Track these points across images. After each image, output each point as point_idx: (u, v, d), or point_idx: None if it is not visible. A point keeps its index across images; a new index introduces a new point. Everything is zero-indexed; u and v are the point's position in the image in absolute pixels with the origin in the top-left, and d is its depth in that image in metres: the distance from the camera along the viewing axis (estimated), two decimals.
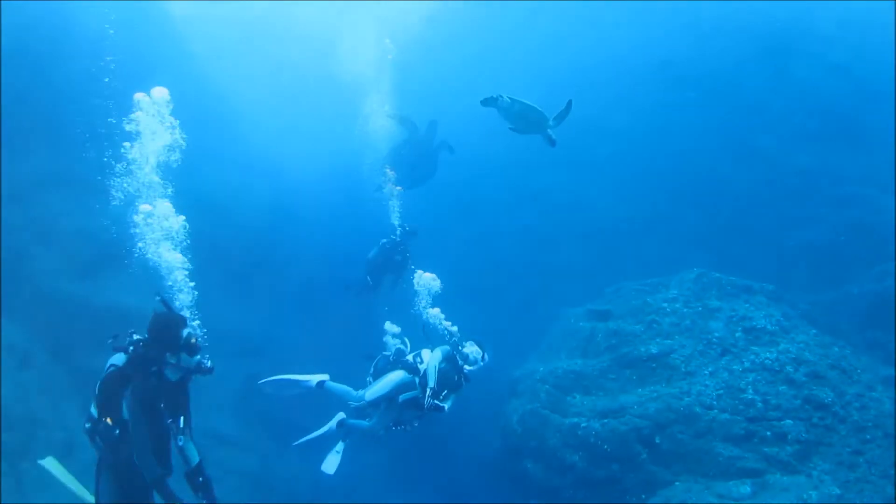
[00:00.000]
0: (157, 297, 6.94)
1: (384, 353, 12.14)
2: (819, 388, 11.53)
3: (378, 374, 11.43)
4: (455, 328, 11.70)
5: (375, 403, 10.95)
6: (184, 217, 11.04)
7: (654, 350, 13.06)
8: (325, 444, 11.70)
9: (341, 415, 11.49)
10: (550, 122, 9.93)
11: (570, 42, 23.98)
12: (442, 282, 16.30)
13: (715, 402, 11.59)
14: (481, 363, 10.93)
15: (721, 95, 21.19)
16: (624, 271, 17.12)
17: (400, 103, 23.06)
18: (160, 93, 10.80)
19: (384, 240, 16.51)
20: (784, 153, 20.15)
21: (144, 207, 10.49)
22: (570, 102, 9.76)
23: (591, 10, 24.05)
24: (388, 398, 10.88)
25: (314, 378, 11.37)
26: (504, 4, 25.73)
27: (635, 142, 21.38)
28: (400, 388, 10.87)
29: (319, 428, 11.63)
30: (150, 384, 6.21)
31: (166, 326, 6.40)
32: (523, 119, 9.96)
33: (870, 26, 22.58)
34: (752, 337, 12.87)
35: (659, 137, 21.17)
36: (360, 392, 11.10)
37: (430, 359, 10.55)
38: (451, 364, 10.69)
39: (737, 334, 12.95)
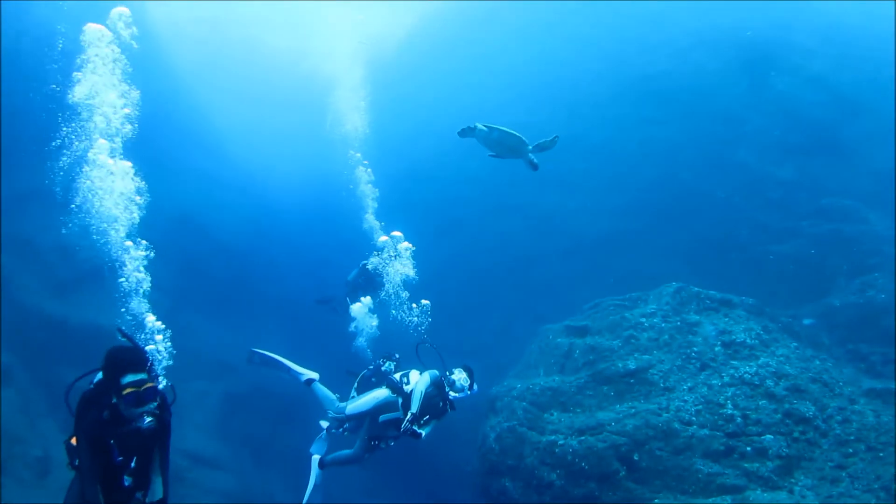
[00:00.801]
0: (118, 329, 6.55)
1: (369, 367, 12.04)
2: (800, 401, 11.25)
3: (362, 389, 11.32)
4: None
5: (355, 418, 10.65)
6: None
7: (631, 365, 12.73)
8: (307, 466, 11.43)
9: (317, 457, 11.09)
10: (531, 148, 9.80)
11: (549, 57, 23.76)
12: (424, 298, 16.17)
13: (694, 418, 11.29)
14: (468, 392, 10.64)
15: (700, 109, 20.90)
16: (605, 287, 16.77)
17: (378, 120, 22.95)
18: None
19: (365, 260, 16.31)
20: (764, 166, 19.88)
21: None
22: (556, 138, 10.00)
23: (570, 25, 23.99)
24: (369, 415, 10.58)
25: (305, 373, 11.06)
26: (484, 21, 25.60)
27: (614, 156, 21.11)
28: (382, 407, 10.60)
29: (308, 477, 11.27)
30: (92, 418, 5.72)
31: (109, 367, 5.79)
32: (502, 145, 10.01)
33: (850, 38, 22.60)
34: (731, 351, 12.59)
35: (638, 152, 20.88)
36: (343, 404, 10.81)
37: (418, 382, 10.28)
38: (437, 389, 10.42)
39: (716, 349, 12.66)
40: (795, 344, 13.22)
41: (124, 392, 5.66)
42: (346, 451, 11.02)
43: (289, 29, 25.47)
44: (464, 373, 10.76)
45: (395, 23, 27.86)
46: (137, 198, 11.10)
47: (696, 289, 14.56)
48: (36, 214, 15.34)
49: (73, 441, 5.82)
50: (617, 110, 21.83)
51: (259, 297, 19.04)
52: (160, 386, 6.27)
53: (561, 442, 11.88)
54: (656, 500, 10.77)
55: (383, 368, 12.17)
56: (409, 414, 9.84)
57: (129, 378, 5.70)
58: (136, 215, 11.09)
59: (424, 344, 11.27)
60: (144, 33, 21.23)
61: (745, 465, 10.62)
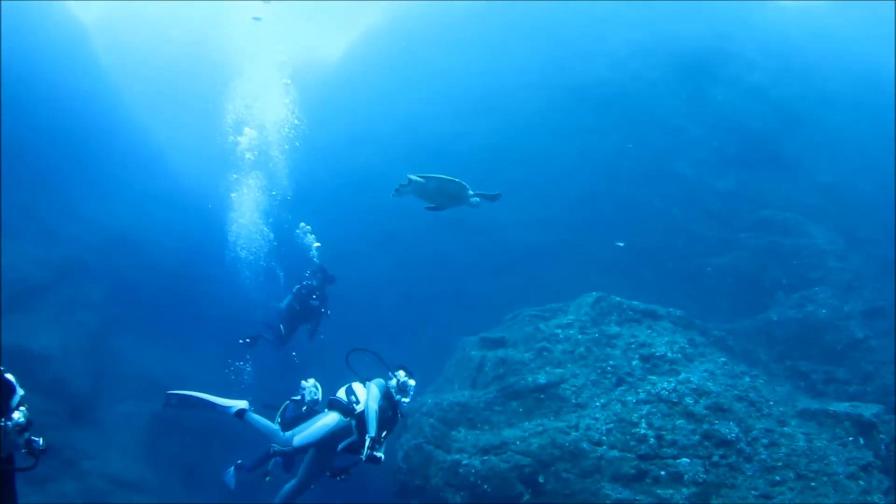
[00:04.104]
0: None
1: (293, 398, 10.63)
2: (721, 422, 9.77)
3: (288, 423, 9.72)
4: None
5: (303, 450, 8.89)
6: None
7: (542, 380, 11.28)
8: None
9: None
10: (471, 192, 8.60)
11: (485, 66, 22.56)
12: (356, 314, 14.70)
13: (604, 438, 9.87)
14: (411, 392, 9.02)
15: (637, 118, 19.79)
16: (538, 298, 15.41)
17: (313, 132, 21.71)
18: None
19: (298, 285, 14.89)
20: (702, 177, 18.78)
21: None
22: (498, 195, 8.86)
23: (508, 33, 22.91)
24: (319, 444, 8.84)
25: (233, 404, 9.14)
26: (420, 31, 24.60)
27: (551, 165, 19.82)
28: (335, 434, 8.81)
29: None
30: None
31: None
32: (442, 194, 8.79)
33: (790, 50, 21.77)
34: (650, 365, 11.16)
35: (575, 161, 19.65)
36: (288, 434, 8.96)
37: (368, 398, 8.56)
38: (387, 400, 8.74)
39: (633, 362, 11.19)
40: (724, 359, 11.74)
41: None
42: (288, 486, 9.30)
43: (222, 51, 24.30)
44: (404, 372, 9.09)
45: (332, 38, 26.92)
46: None
47: (619, 299, 13.15)
48: None
49: None
50: (554, 119, 20.56)
51: (194, 317, 17.64)
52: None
53: (465, 462, 10.37)
54: None
55: (308, 399, 10.81)
56: (368, 439, 8.10)
57: None
58: None
59: (356, 351, 9.45)
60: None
61: (658, 491, 9.14)
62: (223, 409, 9.16)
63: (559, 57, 21.77)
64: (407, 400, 8.99)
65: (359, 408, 8.71)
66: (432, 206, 9.01)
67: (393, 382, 8.99)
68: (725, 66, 20.86)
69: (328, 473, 9.01)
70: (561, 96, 20.88)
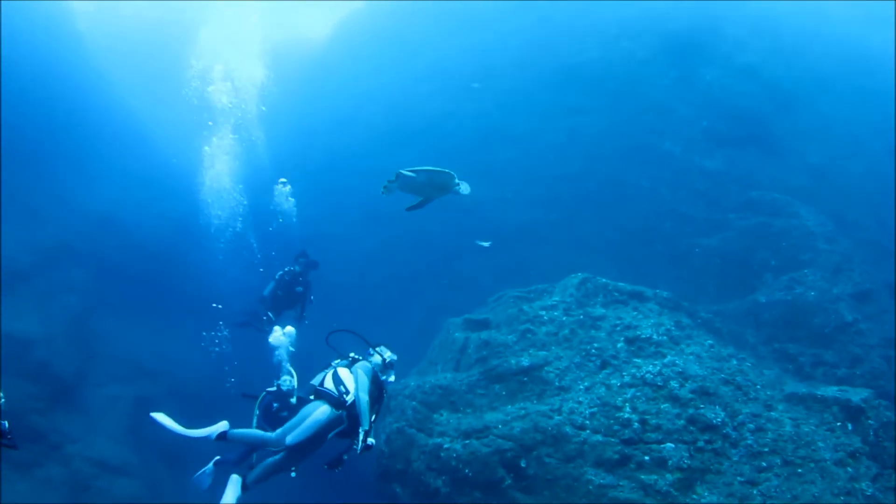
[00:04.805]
0: None
1: (268, 389, 10.36)
2: (707, 406, 9.50)
3: (267, 415, 9.99)
4: None
5: (297, 448, 8.51)
6: None
7: (525, 362, 10.98)
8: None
9: (237, 478, 8.85)
10: (457, 180, 8.32)
11: (473, 44, 22.11)
12: (341, 296, 14.34)
13: (588, 422, 9.60)
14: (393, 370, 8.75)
15: (627, 98, 19.38)
16: (524, 279, 15.17)
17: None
18: None
19: (281, 271, 14.62)
20: (691, 157, 18.37)
21: None
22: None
23: (497, 13, 22.44)
24: (314, 439, 8.48)
25: (213, 430, 8.68)
26: (408, 10, 23.98)
27: (539, 145, 19.44)
28: (327, 427, 8.44)
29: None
30: None
31: None
32: (432, 186, 8.49)
33: (781, 29, 21.34)
34: (635, 348, 10.86)
35: (563, 141, 19.27)
36: (276, 434, 8.55)
37: (359, 390, 8.20)
38: (374, 382, 8.41)
39: (618, 345, 10.85)
40: (711, 341, 11.44)
41: None
42: (271, 459, 8.88)
43: (209, 28, 23.81)
44: (385, 348, 8.78)
45: (318, 16, 26.44)
46: None
47: (604, 280, 12.81)
48: None
49: None
50: (543, 99, 20.12)
51: (180, 299, 17.32)
52: None
53: (447, 446, 10.12)
54: None
55: (284, 388, 10.52)
56: (362, 432, 7.76)
57: None
58: None
59: (337, 332, 9.08)
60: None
61: (642, 476, 8.92)
62: (203, 439, 8.74)
63: (547, 36, 21.33)
64: (393, 378, 8.75)
65: (349, 398, 8.38)
66: (414, 205, 8.76)
67: (377, 360, 8.69)
68: (716, 46, 20.43)
69: (325, 466, 8.65)
70: (549, 75, 20.45)
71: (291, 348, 11.89)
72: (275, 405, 10.41)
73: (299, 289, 14.40)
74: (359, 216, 20.44)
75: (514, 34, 21.56)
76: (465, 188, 8.40)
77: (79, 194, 17.39)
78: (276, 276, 14.59)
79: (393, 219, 19.80)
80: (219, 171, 19.70)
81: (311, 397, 8.68)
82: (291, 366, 11.12)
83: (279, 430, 8.54)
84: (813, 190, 17.73)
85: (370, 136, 21.56)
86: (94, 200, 17.61)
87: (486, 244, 8.81)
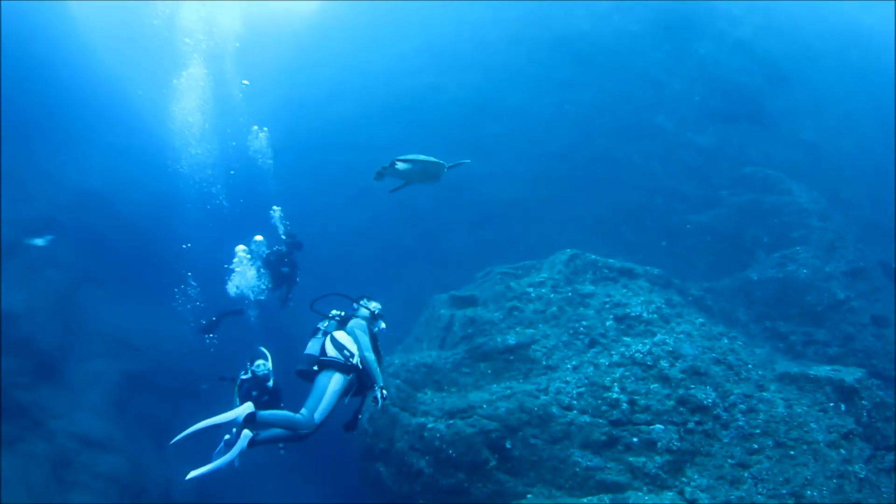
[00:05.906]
0: None
1: (243, 377, 9.98)
2: (698, 386, 9.14)
3: (247, 398, 9.57)
4: None
5: (325, 422, 8.21)
6: None
7: (511, 341, 10.63)
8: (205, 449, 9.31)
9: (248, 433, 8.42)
10: (447, 168, 8.46)
11: (464, 18, 21.50)
12: (328, 271, 14.05)
13: (575, 402, 9.26)
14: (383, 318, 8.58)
15: (618, 72, 18.95)
16: (514, 256, 14.82)
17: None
18: None
19: (267, 251, 14.16)
20: (683, 132, 18.06)
21: None
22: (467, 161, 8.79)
23: None
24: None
25: (238, 412, 8.21)
26: None
27: (529, 120, 19.05)
28: (345, 393, 8.15)
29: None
30: None
31: None
32: (425, 174, 8.43)
33: (775, 6, 20.93)
34: (624, 326, 10.49)
35: (554, 115, 18.89)
36: (302, 414, 8.15)
37: (362, 350, 8.08)
38: (372, 339, 8.24)
39: (607, 323, 10.48)
40: (702, 320, 11.10)
41: None
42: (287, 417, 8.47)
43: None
44: (371, 300, 8.50)
45: None
46: None
47: (594, 257, 12.44)
48: None
49: None
50: (533, 72, 19.64)
51: (167, 274, 16.96)
52: None
53: (430, 425, 9.83)
54: (529, 496, 8.79)
55: (260, 373, 10.03)
56: (378, 389, 7.75)
57: None
58: None
59: (322, 298, 8.75)
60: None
61: (630, 458, 8.61)
62: (230, 422, 8.35)
63: (539, 9, 20.73)
64: (384, 325, 8.53)
65: (355, 360, 8.11)
66: (398, 187, 8.72)
67: (364, 313, 8.40)
68: (709, 21, 19.98)
69: (343, 427, 8.37)
70: (540, 50, 19.93)
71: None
72: (253, 392, 10.01)
73: (285, 269, 13.97)
74: (347, 190, 20.07)
75: (505, 8, 20.95)
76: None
77: (65, 169, 17.07)
78: (263, 256, 14.21)
79: (381, 194, 19.40)
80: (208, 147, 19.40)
81: (315, 368, 8.37)
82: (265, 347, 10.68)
83: (303, 411, 8.21)
84: (806, 166, 17.48)
85: (358, 110, 21.15)
86: (80, 175, 17.28)
87: (466, 161, 8.58)
